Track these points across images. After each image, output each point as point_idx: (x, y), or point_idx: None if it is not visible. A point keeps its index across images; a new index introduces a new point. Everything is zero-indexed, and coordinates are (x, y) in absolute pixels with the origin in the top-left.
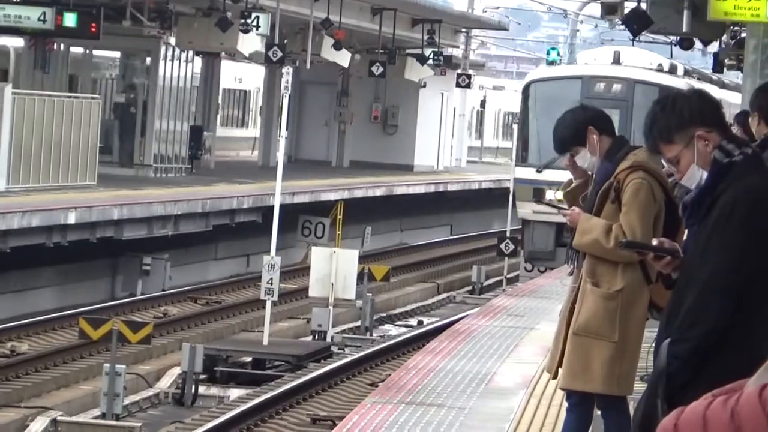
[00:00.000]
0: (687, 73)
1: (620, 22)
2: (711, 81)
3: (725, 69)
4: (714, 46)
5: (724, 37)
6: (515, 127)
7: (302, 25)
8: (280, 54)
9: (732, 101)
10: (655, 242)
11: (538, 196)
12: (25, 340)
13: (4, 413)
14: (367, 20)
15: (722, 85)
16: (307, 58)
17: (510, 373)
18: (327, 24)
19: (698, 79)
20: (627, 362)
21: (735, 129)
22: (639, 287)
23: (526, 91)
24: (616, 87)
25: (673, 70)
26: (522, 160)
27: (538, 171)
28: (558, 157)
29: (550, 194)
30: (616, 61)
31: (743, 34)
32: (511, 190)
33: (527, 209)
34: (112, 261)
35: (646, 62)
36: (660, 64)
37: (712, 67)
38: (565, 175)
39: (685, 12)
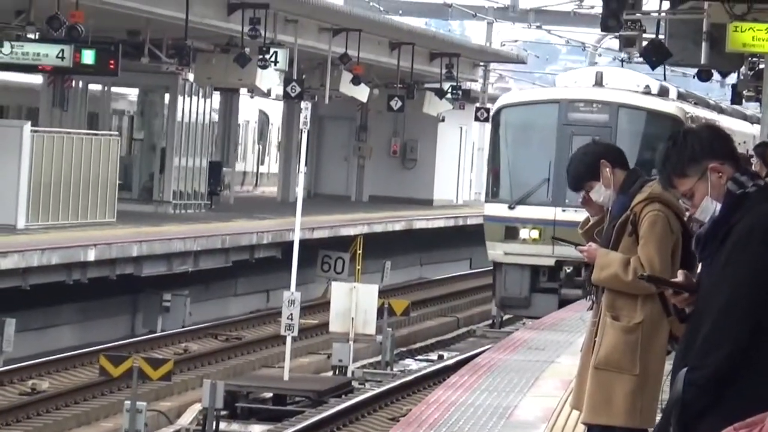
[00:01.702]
0: (681, 96)
1: (639, 55)
2: (708, 105)
3: (744, 100)
4: (732, 78)
5: (743, 69)
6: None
7: (320, 60)
8: (298, 89)
9: (735, 128)
10: (679, 277)
11: (511, 235)
12: (46, 378)
13: None
14: (386, 55)
15: (720, 111)
16: (326, 93)
17: (531, 407)
18: (345, 59)
19: (694, 103)
20: (649, 395)
21: (754, 160)
22: (659, 319)
23: (496, 117)
24: (598, 111)
25: (663, 93)
26: (492, 195)
27: (511, 207)
28: (532, 191)
29: (524, 233)
30: (599, 82)
31: (761, 66)
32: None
33: (498, 251)
34: (132, 298)
35: (633, 84)
36: (647, 86)
37: (730, 99)
38: (538, 212)
39: (704, 44)
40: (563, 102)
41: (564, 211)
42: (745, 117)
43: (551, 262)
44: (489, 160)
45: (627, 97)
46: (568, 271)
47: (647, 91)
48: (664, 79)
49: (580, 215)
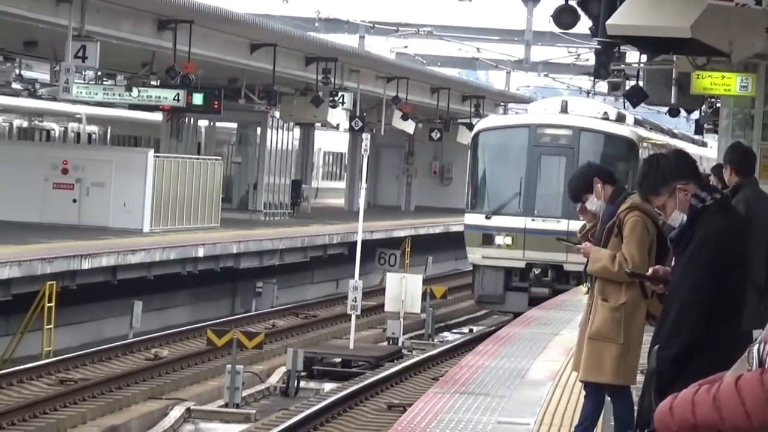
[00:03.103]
0: (637, 122)
1: (623, 96)
2: (662, 131)
3: (704, 132)
4: (695, 114)
5: (704, 107)
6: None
7: (377, 101)
8: (360, 124)
9: (688, 150)
10: (651, 271)
11: (488, 241)
12: (166, 347)
13: (150, 404)
14: (428, 97)
15: (672, 135)
16: (382, 127)
17: (540, 369)
18: (396, 100)
19: (649, 128)
20: (631, 359)
21: (712, 178)
22: (638, 301)
23: (475, 140)
24: (562, 135)
25: (621, 119)
26: (472, 207)
27: (487, 217)
28: (505, 203)
29: (499, 239)
30: (564, 110)
31: (718, 105)
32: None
33: (477, 254)
34: (232, 285)
35: (593, 111)
36: (606, 113)
37: (694, 131)
38: (511, 221)
39: (673, 88)
40: (533, 126)
41: (533, 220)
42: (693, 141)
43: (522, 264)
44: (469, 176)
45: (588, 122)
46: (536, 272)
47: (605, 117)
48: (623, 108)
49: (547, 224)
